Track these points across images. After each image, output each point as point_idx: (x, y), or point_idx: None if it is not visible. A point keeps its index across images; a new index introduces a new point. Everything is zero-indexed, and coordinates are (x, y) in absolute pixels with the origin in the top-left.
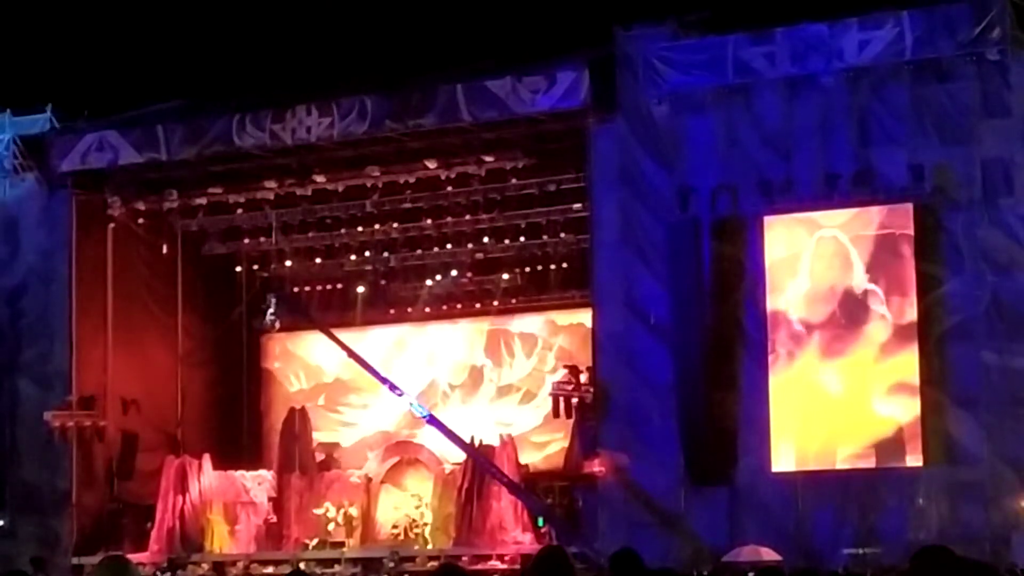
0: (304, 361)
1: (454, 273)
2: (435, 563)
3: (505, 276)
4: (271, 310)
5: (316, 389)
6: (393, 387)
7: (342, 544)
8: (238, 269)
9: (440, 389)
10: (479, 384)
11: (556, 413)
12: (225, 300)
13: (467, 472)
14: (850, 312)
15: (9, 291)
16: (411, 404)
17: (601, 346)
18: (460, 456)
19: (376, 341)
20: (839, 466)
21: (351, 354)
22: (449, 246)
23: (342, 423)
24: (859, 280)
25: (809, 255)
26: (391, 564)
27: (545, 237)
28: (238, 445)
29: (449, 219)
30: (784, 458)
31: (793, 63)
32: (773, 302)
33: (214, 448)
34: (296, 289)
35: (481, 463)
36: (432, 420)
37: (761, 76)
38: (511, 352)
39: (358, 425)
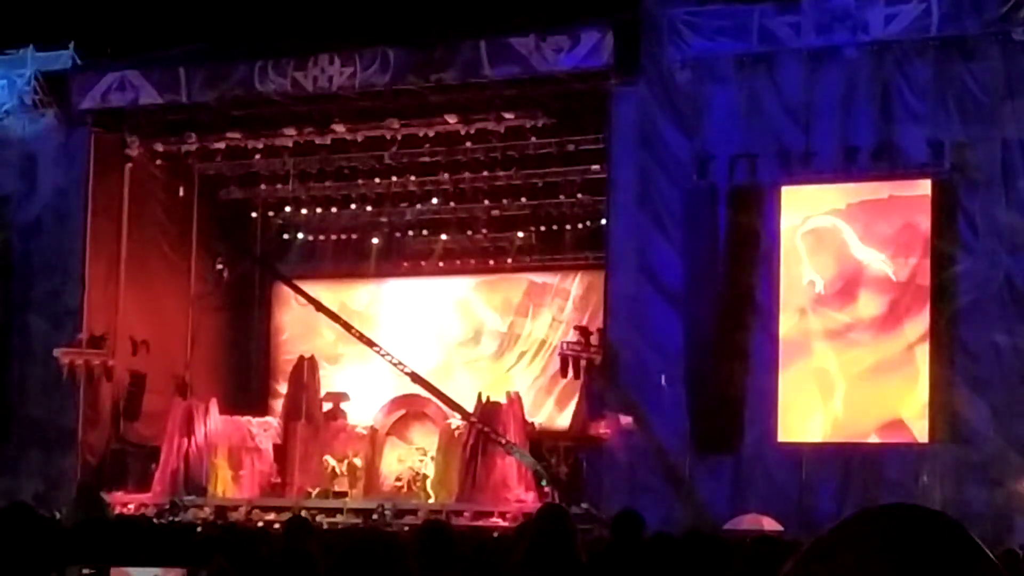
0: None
1: (469, 232)
2: (436, 517)
3: (520, 234)
4: (219, 259)
5: (327, 337)
6: (371, 343)
7: (345, 494)
8: (254, 215)
9: (449, 343)
10: (489, 340)
11: (564, 373)
12: (240, 245)
13: (473, 428)
14: (861, 285)
15: (24, 227)
16: (392, 362)
17: (612, 309)
18: (468, 411)
19: (389, 293)
20: (845, 439)
21: (319, 307)
22: (465, 202)
23: (351, 373)
24: (874, 254)
25: (825, 226)
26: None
27: (562, 197)
28: (246, 391)
29: (467, 175)
30: (789, 430)
31: (818, 34)
32: (786, 272)
33: (222, 393)
34: (310, 237)
35: (471, 420)
36: (415, 378)
37: (785, 45)
38: (523, 310)
39: (367, 376)
